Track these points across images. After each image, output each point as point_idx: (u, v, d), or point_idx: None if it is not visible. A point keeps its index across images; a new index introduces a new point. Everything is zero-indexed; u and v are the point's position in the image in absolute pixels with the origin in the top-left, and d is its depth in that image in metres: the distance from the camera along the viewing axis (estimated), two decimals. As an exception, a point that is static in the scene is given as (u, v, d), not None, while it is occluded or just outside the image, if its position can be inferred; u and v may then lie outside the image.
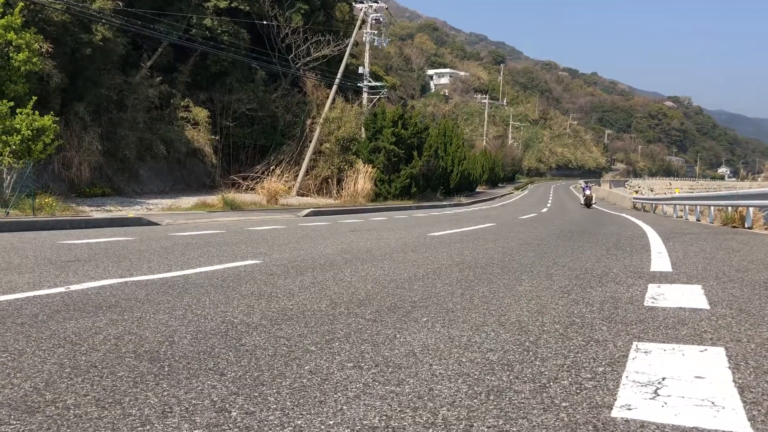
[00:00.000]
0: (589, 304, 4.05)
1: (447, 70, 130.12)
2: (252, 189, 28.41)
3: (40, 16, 20.42)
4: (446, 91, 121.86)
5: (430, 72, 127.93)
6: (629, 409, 2.07)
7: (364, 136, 33.43)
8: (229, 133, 30.29)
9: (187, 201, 22.68)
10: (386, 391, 2.24)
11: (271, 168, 30.39)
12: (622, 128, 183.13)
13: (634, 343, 2.98)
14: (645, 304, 4.07)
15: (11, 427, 1.85)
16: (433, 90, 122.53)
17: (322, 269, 5.67)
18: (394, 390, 2.25)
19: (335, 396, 2.18)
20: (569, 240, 9.87)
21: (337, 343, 2.92)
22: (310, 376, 2.40)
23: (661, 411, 2.04)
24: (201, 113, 28.37)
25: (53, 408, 2.01)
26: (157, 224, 13.20)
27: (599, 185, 73.37)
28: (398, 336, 3.10)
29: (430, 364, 2.59)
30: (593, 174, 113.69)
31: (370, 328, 3.27)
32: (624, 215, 23.19)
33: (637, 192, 54.61)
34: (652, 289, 4.70)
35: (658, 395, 2.19)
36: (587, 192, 34.70)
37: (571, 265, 6.30)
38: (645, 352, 2.82)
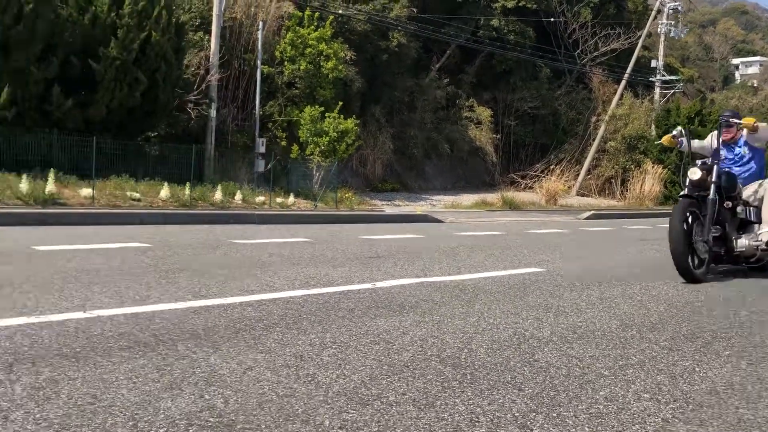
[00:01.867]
0: None
1: (757, 58, 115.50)
2: (530, 188, 28.44)
3: (346, 27, 22.75)
4: (755, 81, 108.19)
5: (735, 61, 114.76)
6: None
7: (654, 133, 31.34)
8: (510, 131, 30.64)
9: (468, 198, 23.54)
10: (687, 430, 2.19)
11: (551, 167, 30.07)
12: None
13: None
14: None
15: (350, 415, 2.20)
16: (738, 81, 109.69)
17: (609, 284, 5.55)
18: (696, 430, 2.20)
19: (633, 428, 2.20)
20: None
21: (631, 370, 2.90)
22: (605, 403, 2.44)
23: None
24: (484, 113, 29.13)
25: (379, 403, 2.33)
26: (440, 221, 13.98)
27: None
28: (697, 369, 2.97)
29: (737, 407, 2.46)
30: None
31: (666, 357, 3.17)
32: None
33: None
34: None
35: None
36: (699, 173, 5.83)
37: None
38: None
